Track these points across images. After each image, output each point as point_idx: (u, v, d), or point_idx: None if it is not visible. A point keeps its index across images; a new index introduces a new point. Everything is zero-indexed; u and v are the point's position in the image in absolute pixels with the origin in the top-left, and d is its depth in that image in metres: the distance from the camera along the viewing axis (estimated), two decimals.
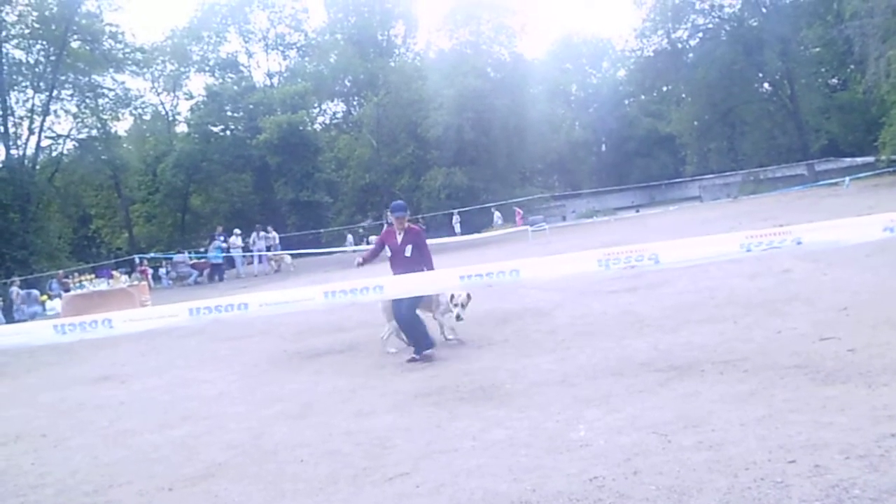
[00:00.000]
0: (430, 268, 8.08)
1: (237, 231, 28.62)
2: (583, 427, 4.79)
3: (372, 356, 8.38)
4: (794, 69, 37.15)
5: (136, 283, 17.59)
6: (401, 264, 8.07)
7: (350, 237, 33.47)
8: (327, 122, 48.76)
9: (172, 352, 10.86)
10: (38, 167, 33.22)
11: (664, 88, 50.05)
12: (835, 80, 43.88)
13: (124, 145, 41.43)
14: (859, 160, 34.72)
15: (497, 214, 33.34)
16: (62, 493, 5.06)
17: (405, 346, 8.23)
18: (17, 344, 6.64)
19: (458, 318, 8.05)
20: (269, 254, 27.27)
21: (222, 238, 28.15)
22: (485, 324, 9.30)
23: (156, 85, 43.70)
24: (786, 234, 5.57)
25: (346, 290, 6.38)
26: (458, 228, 31.75)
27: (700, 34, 40.52)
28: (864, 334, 6.08)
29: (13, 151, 31.91)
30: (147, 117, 43.16)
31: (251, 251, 28.03)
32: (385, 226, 8.54)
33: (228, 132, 42.42)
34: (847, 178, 26.09)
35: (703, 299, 8.73)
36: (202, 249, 31.00)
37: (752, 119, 39.80)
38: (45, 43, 31.89)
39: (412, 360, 7.69)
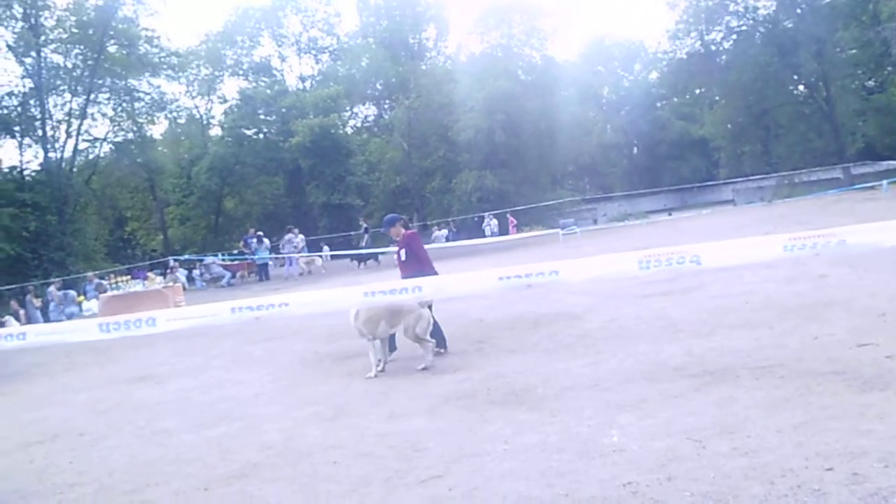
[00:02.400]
0: (430, 267, 8.42)
1: (260, 233, 28.82)
2: (616, 432, 4.78)
3: (402, 359, 8.41)
4: (830, 71, 36.59)
5: (170, 284, 17.84)
6: (401, 269, 8.53)
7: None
8: (359, 125, 49.02)
9: (208, 352, 11.00)
10: (75, 170, 33.75)
11: (697, 91, 49.69)
12: (871, 83, 43.14)
13: (159, 148, 41.98)
14: None
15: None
16: (100, 492, 5.16)
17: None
18: (63, 341, 6.77)
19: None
20: (303, 255, 27.48)
21: (255, 240, 28.45)
22: (516, 327, 9.31)
23: (190, 89, 44.22)
24: (830, 236, 5.46)
25: (386, 290, 6.43)
26: (488, 231, 31.57)
27: (734, 36, 40.07)
28: None
29: (51, 154, 32.51)
30: (182, 121, 43.71)
31: (280, 253, 28.35)
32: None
33: (261, 135, 42.83)
34: (885, 182, 25.62)
35: (739, 304, 8.63)
36: (235, 252, 31.31)
37: (786, 122, 39.31)
38: (82, 47, 32.42)
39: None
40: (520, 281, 6.34)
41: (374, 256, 26.97)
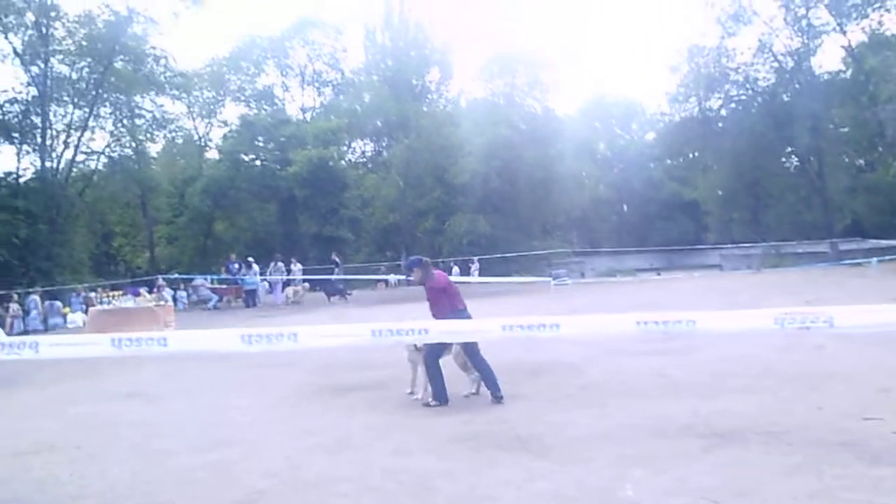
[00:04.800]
0: (446, 311, 8.12)
1: (250, 259, 28.68)
2: (630, 486, 4.79)
3: (401, 395, 8.38)
4: (823, 146, 37.21)
5: (161, 303, 17.71)
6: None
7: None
8: (356, 159, 49.19)
9: (197, 375, 10.89)
10: (70, 181, 33.62)
11: (691, 154, 50.35)
12: (862, 161, 43.96)
13: (154, 167, 41.94)
14: (884, 242, 34.59)
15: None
16: None
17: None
18: (76, 356, 6.69)
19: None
20: (293, 286, 27.41)
21: (237, 265, 28.34)
22: (515, 374, 9.27)
23: (192, 110, 44.36)
24: (819, 314, 5.58)
25: (393, 330, 6.44)
26: (476, 274, 31.73)
27: (732, 104, 40.73)
28: None
29: (48, 163, 32.37)
30: (179, 141, 43.76)
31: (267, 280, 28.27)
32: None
33: (258, 162, 42.84)
34: (875, 260, 26.00)
35: (738, 369, 8.69)
36: (222, 274, 31.14)
37: (777, 192, 39.86)
38: (89, 60, 32.46)
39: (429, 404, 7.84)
40: (522, 332, 6.40)
41: (342, 293, 26.94)
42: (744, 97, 39.86)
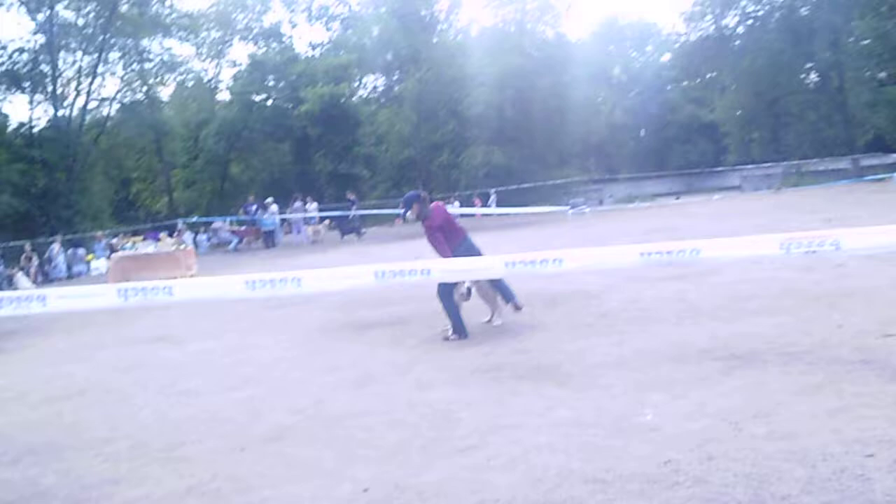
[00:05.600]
0: (449, 249, 7.89)
1: (268, 200, 28.71)
2: (649, 411, 4.84)
3: (423, 330, 8.46)
4: (844, 60, 36.34)
5: (182, 247, 17.87)
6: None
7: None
8: (368, 95, 48.71)
9: (222, 316, 11.03)
10: (84, 128, 33.65)
11: (709, 75, 49.47)
12: (883, 74, 42.85)
13: (167, 111, 41.83)
14: None
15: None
16: (135, 448, 5.22)
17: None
18: (83, 308, 6.79)
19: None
20: (312, 225, 27.51)
21: (255, 207, 28.42)
22: (533, 304, 9.31)
23: (200, 52, 43.94)
24: (825, 237, 5.53)
25: (395, 270, 6.47)
26: (493, 206, 31.74)
27: (749, 21, 39.77)
28: None
29: (60, 112, 32.40)
30: (190, 84, 43.49)
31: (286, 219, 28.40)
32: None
33: (270, 101, 42.54)
34: (894, 174, 25.60)
35: (758, 290, 8.67)
36: (240, 217, 31.29)
37: (797, 110, 39.17)
38: (95, 5, 32.14)
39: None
40: (525, 268, 6.41)
41: (357, 230, 26.97)
42: (761, 13, 38.86)
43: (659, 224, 19.24)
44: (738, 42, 40.28)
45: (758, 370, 5.52)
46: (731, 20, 40.51)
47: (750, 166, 39.70)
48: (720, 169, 43.98)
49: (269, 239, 26.86)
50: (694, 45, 42.76)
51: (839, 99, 37.03)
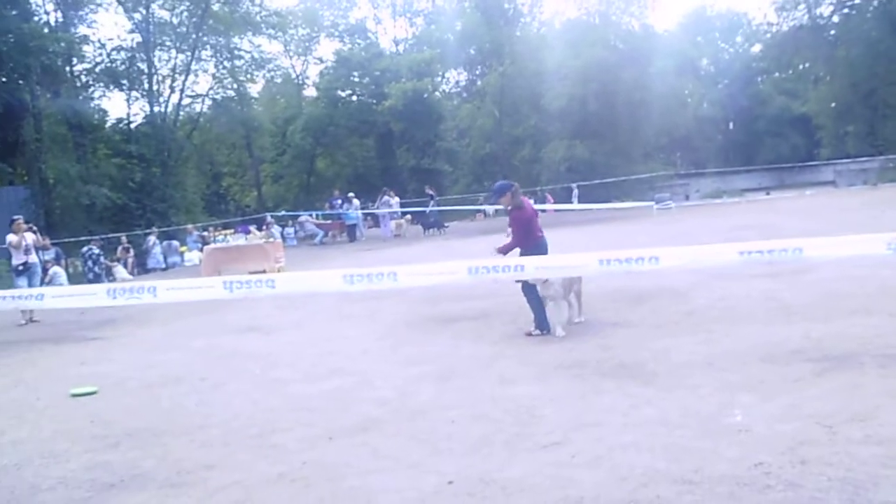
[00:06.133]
0: (531, 242, 7.97)
1: (351, 194, 29.12)
2: (739, 412, 4.74)
3: (506, 325, 8.49)
4: None
5: (271, 240, 18.37)
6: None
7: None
8: (450, 90, 48.93)
9: (308, 308, 11.32)
10: (178, 124, 34.93)
11: (801, 66, 47.67)
12: None
13: (256, 107, 42.99)
14: None
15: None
16: (228, 435, 5.42)
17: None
18: (191, 299, 7.09)
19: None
20: (395, 219, 27.87)
21: (340, 201, 28.92)
22: (618, 300, 9.25)
23: (288, 49, 45.01)
24: None
25: (489, 267, 6.52)
26: (575, 201, 31.46)
27: (845, 9, 38.11)
28: None
29: (156, 108, 33.72)
30: (278, 80, 44.59)
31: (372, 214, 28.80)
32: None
33: (355, 97, 43.31)
34: None
35: (853, 289, 8.34)
36: (325, 211, 31.91)
37: None
38: (188, 4, 33.26)
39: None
40: (619, 266, 6.37)
41: (438, 225, 27.04)
42: (858, 1, 37.09)
43: (749, 220, 18.68)
44: (832, 31, 38.73)
45: (854, 372, 5.34)
46: (825, 9, 39.00)
47: (845, 160, 38.09)
48: (813, 163, 42.41)
49: (352, 232, 27.31)
50: (786, 36, 41.30)
51: None
